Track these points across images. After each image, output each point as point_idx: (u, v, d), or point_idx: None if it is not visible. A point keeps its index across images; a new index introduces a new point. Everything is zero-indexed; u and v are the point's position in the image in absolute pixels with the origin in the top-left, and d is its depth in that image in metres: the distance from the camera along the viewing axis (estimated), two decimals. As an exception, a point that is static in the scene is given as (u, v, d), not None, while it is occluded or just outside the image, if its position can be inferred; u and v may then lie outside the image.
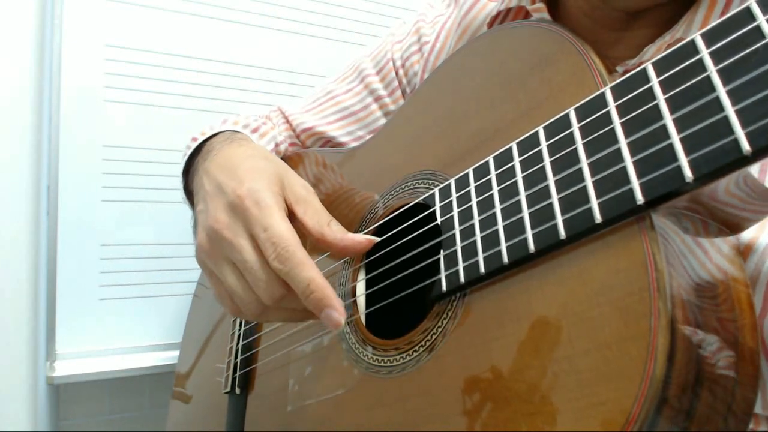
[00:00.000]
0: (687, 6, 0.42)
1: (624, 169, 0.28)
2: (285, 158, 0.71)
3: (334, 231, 0.43)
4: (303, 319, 0.44)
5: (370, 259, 0.49)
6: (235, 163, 0.47)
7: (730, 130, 0.24)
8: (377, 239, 0.44)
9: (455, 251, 0.38)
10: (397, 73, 0.65)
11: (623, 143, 0.29)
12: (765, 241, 0.34)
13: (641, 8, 0.43)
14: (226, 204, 0.43)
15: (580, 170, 0.31)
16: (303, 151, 0.69)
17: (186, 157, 0.61)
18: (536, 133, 0.35)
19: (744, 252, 0.34)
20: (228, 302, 0.44)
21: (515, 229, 0.34)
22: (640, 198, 0.27)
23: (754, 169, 0.35)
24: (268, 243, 0.40)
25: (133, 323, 1.00)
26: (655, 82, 0.28)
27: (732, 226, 0.33)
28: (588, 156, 0.30)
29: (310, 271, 0.39)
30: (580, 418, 0.27)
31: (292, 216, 0.44)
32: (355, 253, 0.44)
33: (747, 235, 0.34)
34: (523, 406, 0.30)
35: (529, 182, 0.34)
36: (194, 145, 0.61)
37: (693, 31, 0.39)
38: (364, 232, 0.50)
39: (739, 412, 0.29)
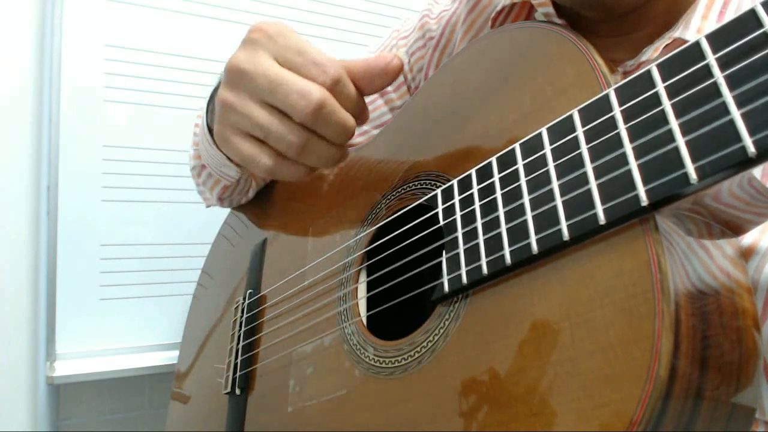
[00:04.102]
0: (683, 5, 0.42)
1: (629, 172, 0.28)
2: None
3: (359, 58, 0.43)
4: (338, 158, 0.44)
5: (372, 260, 0.49)
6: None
7: (736, 134, 0.24)
8: (400, 56, 0.44)
9: (458, 253, 0.38)
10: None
11: (628, 147, 0.29)
12: (766, 244, 0.34)
13: (627, 8, 0.43)
14: (245, 43, 0.41)
15: (584, 173, 0.31)
16: None
17: (204, 128, 0.60)
18: (540, 135, 0.35)
19: (745, 255, 0.34)
20: (261, 156, 0.42)
21: (518, 230, 0.33)
22: (644, 200, 0.27)
23: (757, 172, 0.35)
24: (311, 64, 0.39)
25: (133, 323, 1.01)
26: (660, 86, 0.28)
27: (735, 228, 0.33)
28: (592, 160, 0.30)
29: (353, 87, 0.41)
30: (582, 419, 0.27)
31: None
32: (383, 72, 0.43)
33: (748, 238, 0.34)
34: (526, 407, 0.30)
35: (532, 184, 0.34)
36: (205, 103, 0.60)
37: (690, 31, 0.40)
38: (366, 232, 0.50)
39: (741, 415, 0.29)
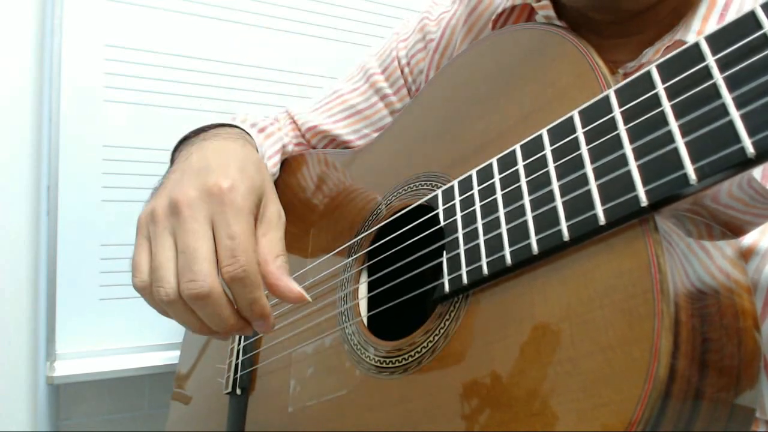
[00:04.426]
0: (684, 8, 0.42)
1: (629, 173, 0.28)
2: (290, 159, 0.71)
3: (277, 266, 0.41)
4: (198, 330, 0.42)
5: (373, 261, 0.49)
6: (230, 157, 0.46)
7: (735, 135, 0.24)
8: (309, 299, 0.42)
9: (458, 254, 0.38)
10: (402, 72, 0.65)
11: (628, 149, 0.29)
12: (766, 245, 0.34)
13: (638, 9, 0.43)
14: (203, 185, 0.41)
15: (584, 174, 0.31)
16: (308, 152, 0.69)
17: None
18: (540, 136, 0.35)
19: (745, 255, 0.34)
20: (141, 275, 0.42)
21: (519, 231, 0.34)
22: (644, 200, 0.27)
23: (757, 173, 0.35)
24: (229, 253, 0.39)
25: (133, 323, 1.00)
26: (660, 88, 0.28)
27: (734, 229, 0.33)
28: (593, 161, 0.31)
29: (257, 293, 0.39)
30: (582, 419, 0.27)
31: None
32: (283, 298, 0.41)
33: (748, 239, 0.34)
34: (526, 407, 0.30)
35: (533, 185, 0.34)
36: (205, 126, 0.60)
37: (690, 33, 0.40)
38: (367, 233, 0.51)
39: (741, 415, 0.29)
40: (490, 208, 0.36)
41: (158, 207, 0.42)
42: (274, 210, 0.44)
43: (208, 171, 0.43)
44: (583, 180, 0.31)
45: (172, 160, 0.60)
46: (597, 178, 0.30)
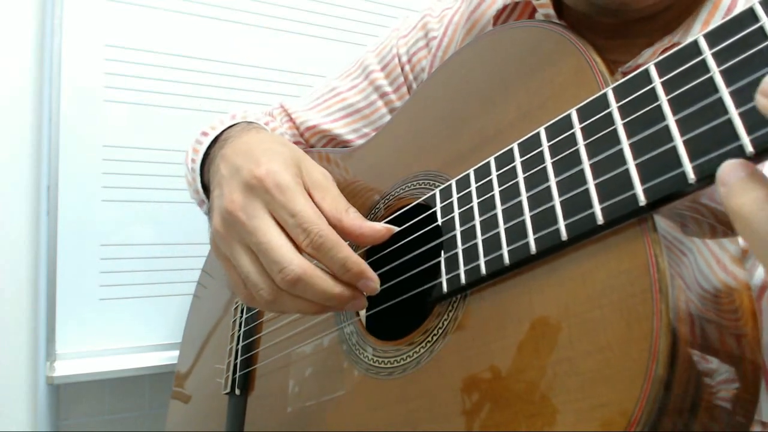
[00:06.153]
0: (687, 13, 0.42)
1: (626, 171, 0.28)
2: None
3: (353, 218, 0.42)
4: (315, 312, 0.42)
5: (371, 259, 0.49)
6: (252, 147, 0.46)
7: (734, 132, 0.24)
8: (396, 228, 0.43)
9: (456, 253, 0.38)
10: (402, 69, 0.64)
11: (625, 144, 0.29)
12: None
13: (643, 14, 0.43)
14: (242, 184, 0.42)
15: (581, 171, 0.31)
16: (308, 150, 0.69)
17: (201, 153, 0.60)
18: (538, 134, 0.35)
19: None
20: (242, 289, 0.43)
21: (517, 230, 0.33)
22: (642, 200, 0.27)
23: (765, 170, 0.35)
24: (299, 229, 0.39)
25: (133, 323, 1.00)
26: (657, 83, 0.28)
27: (733, 228, 0.33)
28: (590, 157, 0.30)
29: (344, 251, 0.40)
30: (581, 419, 0.27)
31: None
32: (373, 242, 0.42)
33: (743, 240, 0.34)
34: (524, 406, 0.30)
35: (530, 183, 0.34)
36: (205, 140, 0.60)
37: (690, 36, 0.39)
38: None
39: (740, 414, 0.29)
40: (487, 207, 0.36)
41: (217, 226, 0.43)
42: (318, 173, 0.45)
43: (239, 169, 0.43)
44: (581, 178, 0.30)
45: (204, 185, 0.62)
46: (595, 176, 0.30)
